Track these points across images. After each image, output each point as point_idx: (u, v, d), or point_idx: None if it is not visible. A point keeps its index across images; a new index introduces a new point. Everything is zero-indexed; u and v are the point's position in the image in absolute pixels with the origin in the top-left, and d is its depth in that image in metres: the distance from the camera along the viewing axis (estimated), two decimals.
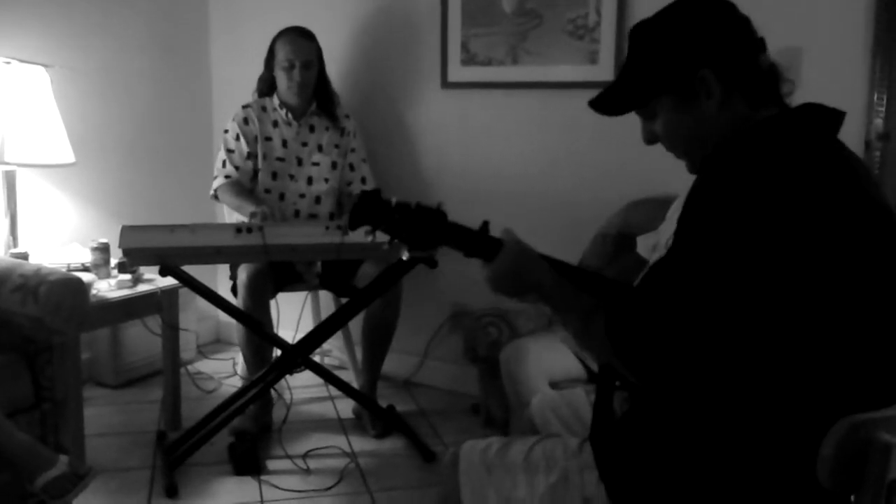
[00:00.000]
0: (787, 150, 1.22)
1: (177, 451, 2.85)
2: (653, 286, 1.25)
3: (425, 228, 1.46)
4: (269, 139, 3.33)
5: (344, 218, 3.14)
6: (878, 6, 2.73)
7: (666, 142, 1.41)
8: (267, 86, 3.37)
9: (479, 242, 1.48)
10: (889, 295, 1.23)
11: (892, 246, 1.24)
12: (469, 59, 3.47)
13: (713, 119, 1.33)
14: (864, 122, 2.78)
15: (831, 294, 1.18)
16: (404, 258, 1.50)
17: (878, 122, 2.78)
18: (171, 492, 2.69)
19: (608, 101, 1.45)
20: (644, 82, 1.39)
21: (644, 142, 1.44)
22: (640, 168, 3.12)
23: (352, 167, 3.44)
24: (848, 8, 2.77)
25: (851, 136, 2.75)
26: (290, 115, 3.34)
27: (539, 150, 3.40)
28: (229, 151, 3.30)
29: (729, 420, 1.23)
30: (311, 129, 3.38)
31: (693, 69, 1.32)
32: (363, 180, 3.43)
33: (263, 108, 3.36)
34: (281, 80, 3.28)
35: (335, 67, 3.70)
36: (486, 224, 1.50)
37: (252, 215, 3.02)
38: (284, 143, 3.34)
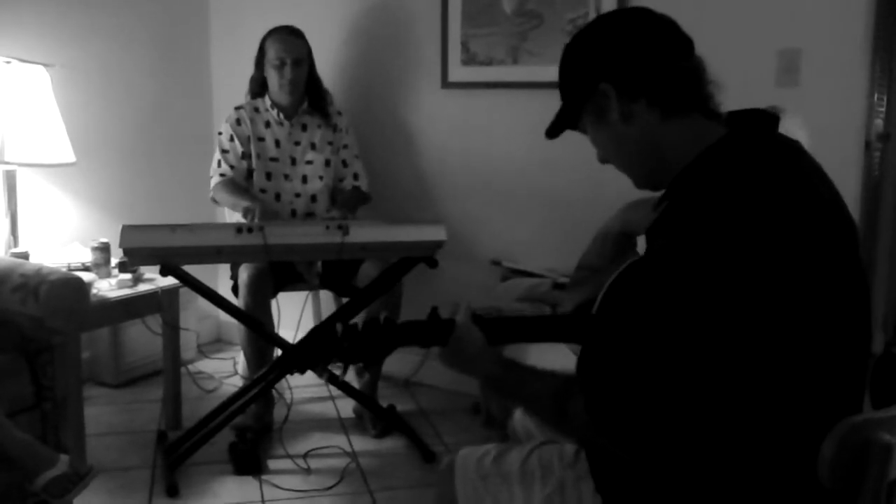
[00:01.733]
0: (744, 181, 1.19)
1: (177, 450, 2.86)
2: (628, 351, 1.20)
3: (376, 343, 1.43)
4: (261, 140, 3.33)
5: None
6: (878, 7, 2.73)
7: (608, 159, 1.42)
8: (258, 86, 3.38)
9: (431, 331, 1.46)
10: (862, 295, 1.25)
11: (855, 253, 1.26)
12: (469, 59, 3.47)
13: (623, 130, 1.33)
14: (864, 122, 2.79)
15: (822, 308, 1.18)
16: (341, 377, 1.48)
17: (879, 122, 2.79)
18: (172, 491, 2.69)
19: (560, 126, 1.48)
20: (566, 101, 1.43)
21: (599, 161, 1.45)
22: None
23: (344, 163, 3.44)
24: (848, 8, 2.77)
25: (851, 136, 2.77)
26: (281, 114, 3.34)
27: (539, 149, 3.38)
28: (224, 152, 3.31)
29: (726, 425, 1.22)
30: (304, 127, 3.38)
31: (593, 83, 1.33)
32: (355, 176, 3.44)
33: (256, 109, 3.36)
34: (272, 78, 3.29)
35: (335, 67, 3.71)
36: (434, 309, 1.48)
37: (245, 210, 3.02)
38: (277, 143, 3.34)
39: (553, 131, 1.48)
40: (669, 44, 1.32)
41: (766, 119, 1.30)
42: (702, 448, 1.23)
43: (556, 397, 1.32)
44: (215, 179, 3.30)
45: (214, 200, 3.36)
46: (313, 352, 1.44)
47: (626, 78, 1.31)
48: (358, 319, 3.32)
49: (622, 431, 1.24)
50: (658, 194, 1.39)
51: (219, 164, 3.31)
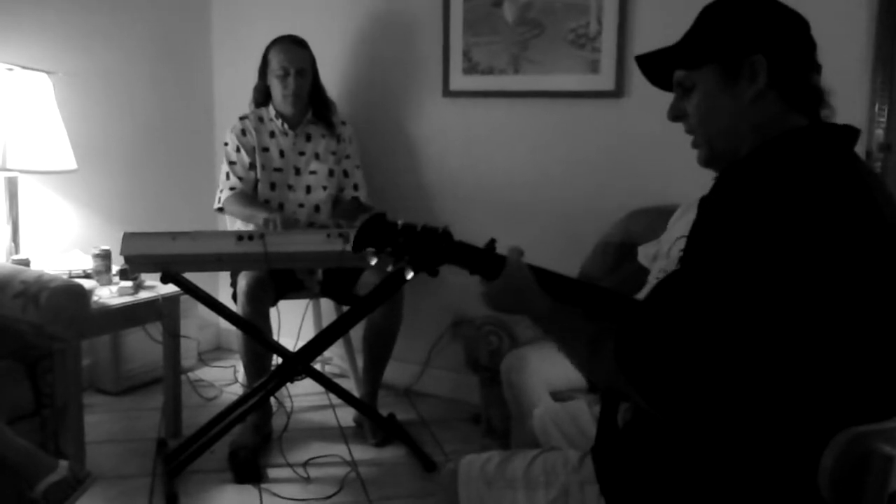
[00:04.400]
0: (805, 173, 1.22)
1: (177, 458, 2.85)
2: (663, 307, 1.23)
3: (431, 249, 1.47)
4: (266, 150, 3.33)
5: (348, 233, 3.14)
6: (879, 17, 2.73)
7: (694, 119, 1.39)
8: (262, 95, 3.38)
9: (484, 260, 1.50)
10: (889, 310, 1.23)
11: None
12: (471, 68, 3.47)
13: (746, 107, 1.32)
14: (865, 132, 2.79)
15: (837, 312, 1.17)
16: (408, 277, 1.52)
17: (880, 132, 2.79)
18: (171, 500, 2.68)
19: (657, 59, 1.44)
20: (700, 44, 1.38)
21: (668, 117, 1.43)
22: (641, 177, 3.12)
23: (346, 174, 3.44)
24: (849, 18, 2.77)
25: None
26: (285, 125, 3.34)
27: (540, 158, 3.40)
28: (231, 163, 3.31)
29: (731, 433, 1.23)
30: (308, 137, 3.38)
31: (750, 49, 1.31)
32: (355, 187, 3.44)
33: (260, 119, 3.36)
34: (276, 88, 3.29)
35: (337, 76, 3.72)
36: (492, 242, 1.52)
37: (265, 221, 3.01)
38: (281, 154, 3.34)
39: (663, 68, 1.43)
40: (813, 59, 1.39)
41: (847, 129, 1.33)
42: (716, 425, 1.24)
43: (589, 343, 1.38)
44: (226, 193, 3.29)
45: (220, 210, 3.35)
46: (369, 235, 1.45)
47: (782, 64, 1.32)
48: (355, 341, 3.30)
49: (652, 384, 1.24)
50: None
51: (227, 177, 3.31)
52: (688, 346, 1.18)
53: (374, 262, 1.50)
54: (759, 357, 1.17)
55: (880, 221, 1.23)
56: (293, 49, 3.27)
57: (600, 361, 1.34)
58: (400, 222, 1.45)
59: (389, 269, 1.52)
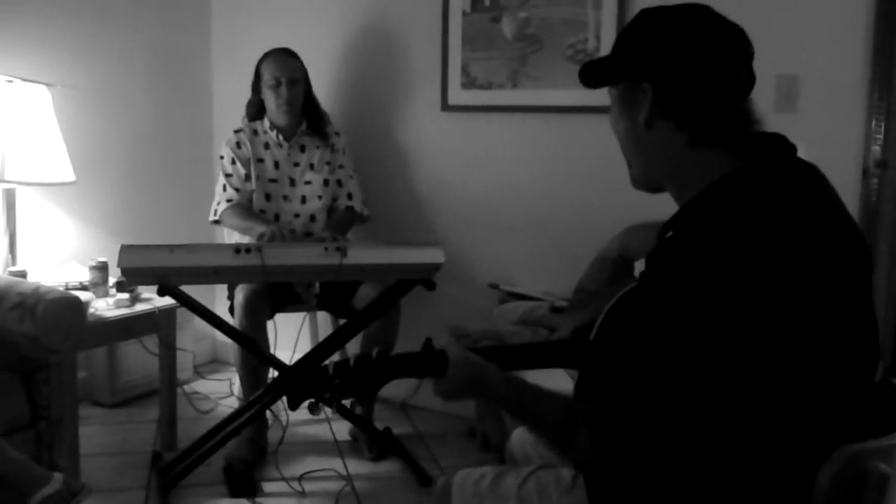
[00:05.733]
0: (754, 215, 1.17)
1: (172, 471, 2.84)
2: (632, 390, 1.20)
3: (368, 378, 1.41)
4: (261, 161, 3.34)
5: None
6: (876, 34, 2.74)
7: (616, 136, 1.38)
8: (255, 110, 3.40)
9: (425, 363, 1.43)
10: (864, 331, 1.23)
11: (868, 279, 1.25)
12: (469, 83, 3.49)
13: (643, 135, 1.30)
14: (861, 149, 2.79)
15: (824, 333, 1.17)
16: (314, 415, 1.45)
17: (876, 149, 2.79)
18: None
19: (588, 73, 1.41)
20: (608, 65, 1.36)
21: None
22: (638, 192, 3.12)
23: (339, 183, 3.45)
24: (846, 35, 2.78)
25: (849, 163, 2.78)
26: (280, 136, 3.36)
27: (538, 173, 3.41)
28: (227, 176, 3.32)
29: (724, 453, 1.22)
30: (302, 148, 3.40)
31: (640, 76, 1.28)
32: (349, 196, 3.45)
33: (255, 132, 3.38)
34: (269, 99, 3.31)
35: (336, 89, 3.73)
36: (428, 341, 1.45)
37: (261, 236, 3.02)
38: (276, 165, 3.36)
39: (593, 79, 1.40)
40: (733, 81, 1.27)
41: (781, 147, 1.27)
42: (707, 472, 1.23)
43: (558, 428, 1.31)
44: (223, 206, 3.30)
45: (216, 223, 3.36)
46: (303, 388, 1.40)
47: (670, 96, 1.26)
48: (350, 351, 3.33)
49: (627, 458, 1.23)
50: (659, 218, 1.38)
51: (224, 189, 3.32)
52: (666, 423, 1.18)
53: (318, 412, 1.44)
54: (743, 387, 1.16)
55: (840, 238, 1.22)
56: (285, 59, 3.30)
57: (574, 454, 1.32)
58: (330, 363, 1.38)
59: (333, 412, 1.47)
